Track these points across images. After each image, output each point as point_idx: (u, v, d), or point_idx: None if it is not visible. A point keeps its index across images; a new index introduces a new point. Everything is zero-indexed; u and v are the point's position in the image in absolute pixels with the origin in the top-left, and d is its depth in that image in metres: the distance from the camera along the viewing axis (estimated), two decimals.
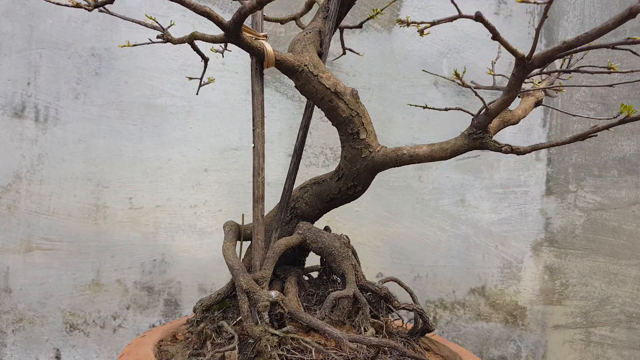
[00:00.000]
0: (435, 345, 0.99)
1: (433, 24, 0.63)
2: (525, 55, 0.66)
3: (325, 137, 1.69)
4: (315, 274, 1.02)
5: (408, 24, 0.64)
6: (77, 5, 0.70)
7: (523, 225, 1.71)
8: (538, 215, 1.71)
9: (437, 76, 1.66)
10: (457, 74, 0.77)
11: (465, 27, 1.69)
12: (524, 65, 0.67)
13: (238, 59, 1.67)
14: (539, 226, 1.71)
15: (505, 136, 1.70)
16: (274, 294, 0.79)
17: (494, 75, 1.01)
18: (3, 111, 1.62)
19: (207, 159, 1.68)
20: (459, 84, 0.83)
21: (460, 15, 0.61)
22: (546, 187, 1.71)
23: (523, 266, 1.72)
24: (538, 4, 0.56)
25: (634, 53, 0.69)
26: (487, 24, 0.59)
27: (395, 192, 1.69)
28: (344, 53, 1.09)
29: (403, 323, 0.99)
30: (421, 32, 0.62)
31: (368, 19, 0.99)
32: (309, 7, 1.05)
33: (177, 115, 1.67)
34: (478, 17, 0.58)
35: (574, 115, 0.93)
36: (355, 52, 1.14)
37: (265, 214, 0.90)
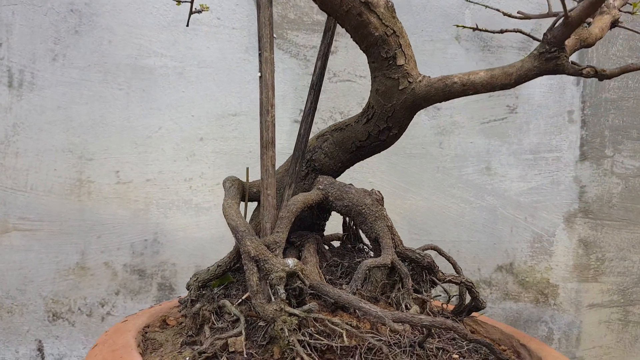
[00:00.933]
0: (482, 326, 0.83)
1: None
2: None
3: (334, 99, 1.52)
4: (336, 245, 0.85)
5: None
6: None
7: (555, 195, 1.55)
8: (571, 183, 1.55)
9: (462, 29, 1.49)
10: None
11: None
12: None
13: (235, 13, 1.49)
14: (573, 195, 1.55)
15: (535, 95, 1.53)
16: (291, 262, 0.62)
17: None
18: None
19: (202, 126, 1.51)
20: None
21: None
22: (580, 152, 1.54)
23: (555, 240, 1.56)
24: None
25: None
26: None
27: (413, 160, 1.53)
28: None
29: (447, 300, 0.82)
30: None
31: None
32: None
33: (168, 78, 1.50)
34: None
35: None
36: None
37: (274, 155, 0.73)
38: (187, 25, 0.84)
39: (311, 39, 1.51)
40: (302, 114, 0.80)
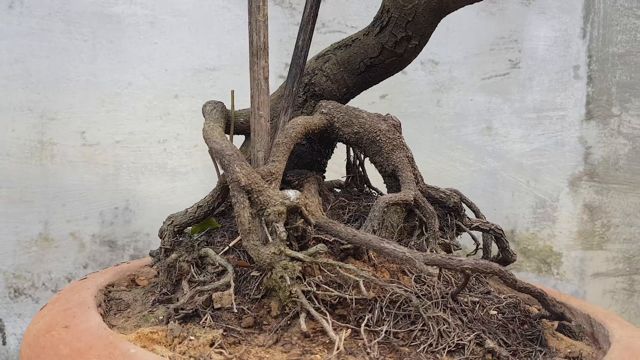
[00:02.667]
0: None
1: None
2: None
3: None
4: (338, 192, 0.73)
5: None
6: None
7: (559, 157, 1.45)
8: (576, 144, 1.45)
9: None
10: None
11: None
12: None
13: None
14: (578, 157, 1.46)
15: (538, 49, 1.42)
16: (292, 194, 0.50)
17: None
18: None
19: (177, 82, 1.39)
20: None
21: None
22: (586, 110, 1.45)
23: (559, 205, 1.47)
24: None
25: None
26: None
27: (409, 119, 1.41)
28: None
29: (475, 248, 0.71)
30: None
31: None
32: None
33: (138, 28, 1.36)
34: None
35: None
36: None
37: (268, 67, 0.60)
38: None
39: None
40: (293, 52, 0.67)
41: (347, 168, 0.72)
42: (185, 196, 1.39)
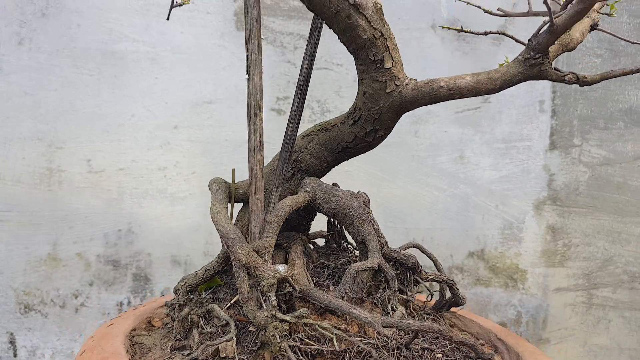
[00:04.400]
0: (461, 320, 0.85)
1: None
2: None
3: (311, 88, 1.48)
4: (320, 243, 0.86)
5: None
6: None
7: (525, 183, 1.59)
8: (541, 171, 1.59)
9: (434, 22, 1.49)
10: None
11: None
12: None
13: None
14: (542, 183, 1.59)
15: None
16: (281, 268, 0.62)
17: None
18: None
19: (176, 114, 1.48)
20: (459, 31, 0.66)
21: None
22: (550, 141, 1.58)
23: (524, 227, 1.60)
24: None
25: None
26: None
27: (389, 149, 1.53)
28: None
29: (429, 296, 0.84)
30: None
31: None
32: None
33: (140, 64, 1.46)
34: None
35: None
36: None
37: (263, 160, 0.72)
38: (168, 19, 0.82)
39: (287, 25, 1.49)
40: (289, 112, 0.79)
41: (327, 226, 0.84)
42: (183, 219, 1.50)
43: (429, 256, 0.82)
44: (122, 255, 1.47)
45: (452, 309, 0.85)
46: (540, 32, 0.64)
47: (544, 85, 1.57)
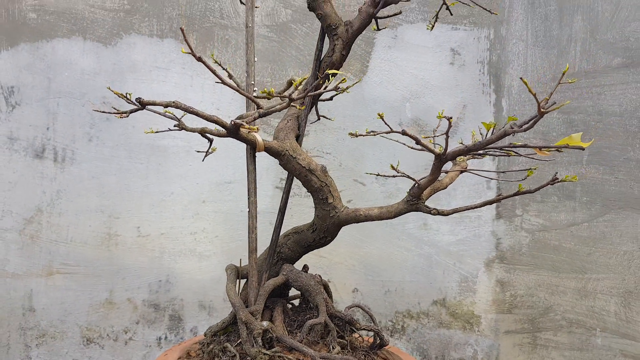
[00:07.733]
0: (392, 356, 1.26)
1: (375, 133, 0.89)
2: (441, 153, 0.93)
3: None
4: (296, 303, 1.28)
5: (356, 135, 0.91)
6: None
7: (477, 245, 1.98)
8: (490, 236, 1.98)
9: (401, 121, 1.94)
10: (393, 167, 1.03)
11: (425, 76, 1.96)
12: (441, 159, 0.94)
13: (231, 105, 1.92)
14: (491, 245, 1.98)
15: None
16: (265, 323, 1.06)
17: (449, 120, 1.27)
18: (25, 153, 1.85)
19: (204, 191, 1.90)
20: (395, 174, 1.09)
21: (392, 131, 0.88)
22: (496, 212, 1.98)
23: (478, 280, 1.98)
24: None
25: (517, 154, 0.96)
26: (410, 136, 0.86)
27: None
28: (318, 119, 1.35)
29: (366, 338, 1.26)
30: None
31: (337, 94, 1.24)
32: (289, 84, 1.31)
33: (178, 155, 1.90)
34: (404, 132, 0.84)
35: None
36: (327, 118, 1.40)
37: (257, 256, 1.16)
38: (203, 161, 1.27)
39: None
40: (281, 199, 1.23)
41: (301, 293, 1.26)
42: (208, 272, 1.93)
43: (367, 312, 1.23)
44: (162, 300, 1.91)
45: (387, 347, 1.25)
46: (414, 187, 1.06)
47: (489, 167, 1.98)
